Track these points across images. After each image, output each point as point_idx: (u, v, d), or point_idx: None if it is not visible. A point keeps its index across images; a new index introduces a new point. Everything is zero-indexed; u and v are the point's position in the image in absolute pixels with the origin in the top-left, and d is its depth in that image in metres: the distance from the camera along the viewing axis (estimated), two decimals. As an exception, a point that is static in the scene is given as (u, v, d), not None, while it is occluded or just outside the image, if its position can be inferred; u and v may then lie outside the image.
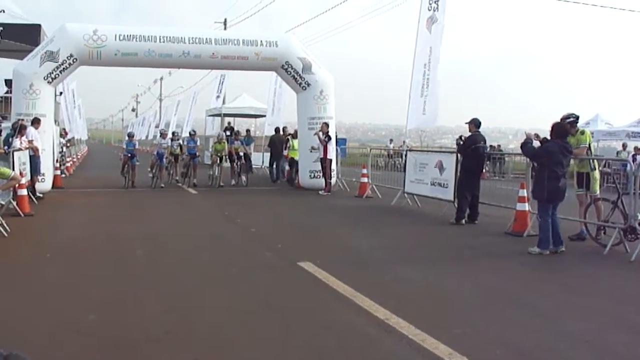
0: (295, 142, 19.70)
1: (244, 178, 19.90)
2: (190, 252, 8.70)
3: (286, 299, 6.22)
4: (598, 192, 10.00)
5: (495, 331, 5.29)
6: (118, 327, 5.18)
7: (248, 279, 7.12)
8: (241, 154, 20.20)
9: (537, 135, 9.80)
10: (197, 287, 6.68)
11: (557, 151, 8.78)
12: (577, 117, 10.19)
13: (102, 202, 14.73)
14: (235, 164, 19.94)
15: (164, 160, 19.07)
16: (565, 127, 9.19)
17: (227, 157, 19.61)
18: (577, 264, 8.32)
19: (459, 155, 12.50)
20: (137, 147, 19.01)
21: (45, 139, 15.37)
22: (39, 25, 20.84)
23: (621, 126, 27.53)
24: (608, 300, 6.54)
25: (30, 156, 13.52)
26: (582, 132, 10.18)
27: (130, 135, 19.80)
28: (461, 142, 12.37)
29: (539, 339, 5.09)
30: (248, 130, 30.01)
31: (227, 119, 33.95)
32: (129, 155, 18.25)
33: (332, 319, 5.52)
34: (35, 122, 14.65)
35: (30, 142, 13.41)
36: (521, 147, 9.54)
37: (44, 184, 15.40)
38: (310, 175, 18.32)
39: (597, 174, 10.01)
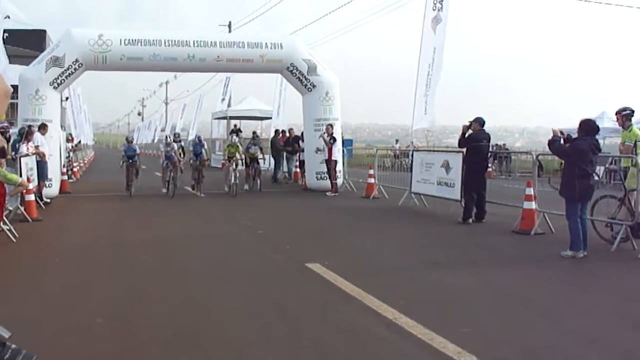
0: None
1: (258, 182, 19.02)
2: (197, 255, 8.73)
3: (295, 300, 6.23)
4: (634, 187, 9.41)
5: (503, 330, 5.29)
6: (126, 329, 5.21)
7: (256, 280, 7.13)
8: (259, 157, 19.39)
9: (562, 133, 9.42)
10: (205, 288, 6.69)
11: (587, 149, 8.47)
12: (632, 111, 9.82)
13: (109, 206, 14.76)
14: (250, 169, 19.25)
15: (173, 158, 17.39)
16: (594, 124, 8.77)
17: (242, 160, 18.78)
18: (584, 262, 8.29)
19: (460, 140, 12.31)
20: (137, 151, 17.67)
21: (52, 144, 15.44)
22: (44, 31, 20.96)
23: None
24: (615, 297, 6.52)
25: (37, 162, 13.59)
26: (630, 129, 9.82)
27: (129, 140, 18.40)
28: (462, 135, 12.22)
29: (546, 337, 5.08)
30: (254, 133, 30.08)
31: (232, 122, 34.05)
32: (130, 161, 17.07)
33: (341, 319, 5.53)
34: (42, 127, 14.75)
35: (36, 147, 13.48)
36: (549, 145, 9.10)
37: (51, 189, 15.48)
38: (317, 177, 18.35)
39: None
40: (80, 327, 5.24)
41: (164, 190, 17.14)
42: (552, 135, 9.10)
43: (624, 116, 9.77)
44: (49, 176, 14.96)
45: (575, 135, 8.96)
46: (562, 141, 9.10)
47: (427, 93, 15.83)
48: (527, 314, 5.80)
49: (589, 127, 8.67)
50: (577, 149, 8.61)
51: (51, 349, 4.74)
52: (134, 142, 18.55)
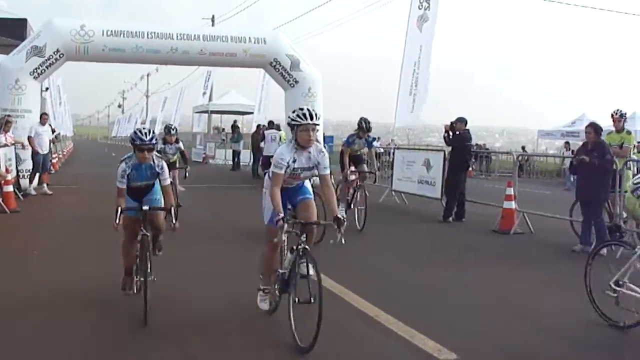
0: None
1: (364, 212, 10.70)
2: (186, 250, 8.64)
3: (276, 297, 6.22)
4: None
5: (482, 327, 5.35)
6: (110, 323, 5.18)
7: (239, 278, 7.11)
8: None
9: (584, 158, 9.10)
10: (195, 287, 6.65)
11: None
12: (625, 114, 10.17)
13: (88, 198, 14.57)
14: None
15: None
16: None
17: None
18: (563, 262, 8.38)
19: (446, 138, 12.22)
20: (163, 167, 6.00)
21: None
22: (25, 20, 20.61)
23: (606, 125, 27.68)
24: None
25: (32, 153, 13.90)
26: (629, 133, 10.02)
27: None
28: (447, 134, 12.15)
29: (524, 334, 5.17)
30: (237, 127, 29.94)
31: (214, 116, 33.89)
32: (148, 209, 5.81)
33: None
34: (42, 117, 14.85)
35: (29, 138, 13.81)
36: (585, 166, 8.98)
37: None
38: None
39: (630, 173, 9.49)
40: (61, 322, 5.19)
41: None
42: (577, 160, 9.00)
43: (620, 117, 9.96)
44: (27, 168, 14.75)
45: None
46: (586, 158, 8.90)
47: (414, 92, 15.84)
48: (505, 312, 5.88)
49: (600, 129, 8.98)
50: (610, 152, 8.85)
51: (34, 343, 4.71)
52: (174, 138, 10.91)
